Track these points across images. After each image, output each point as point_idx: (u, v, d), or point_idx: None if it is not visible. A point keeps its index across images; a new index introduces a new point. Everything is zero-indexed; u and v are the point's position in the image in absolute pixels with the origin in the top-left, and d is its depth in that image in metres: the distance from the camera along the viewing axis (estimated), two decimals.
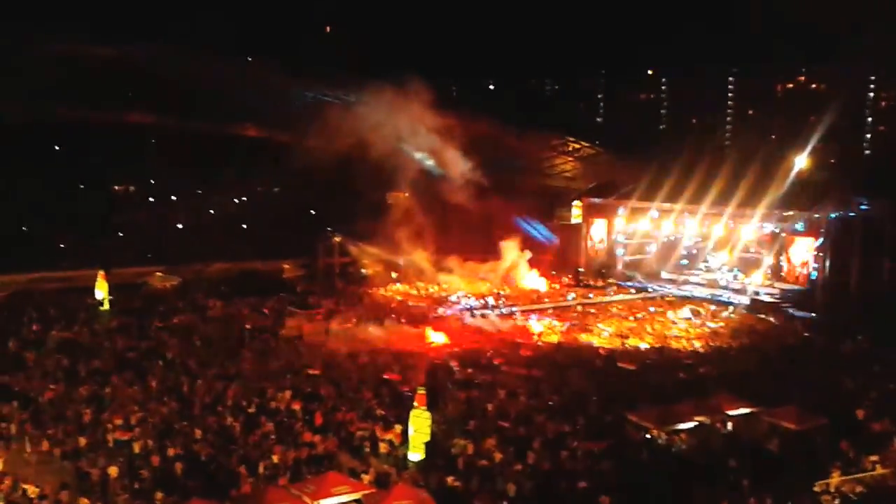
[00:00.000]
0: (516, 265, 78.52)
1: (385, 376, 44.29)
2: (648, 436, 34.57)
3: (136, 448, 33.00)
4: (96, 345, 50.97)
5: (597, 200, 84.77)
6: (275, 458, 31.69)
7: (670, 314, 64.85)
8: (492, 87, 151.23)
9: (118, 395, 40.04)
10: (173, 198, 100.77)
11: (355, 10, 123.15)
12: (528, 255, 79.08)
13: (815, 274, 66.81)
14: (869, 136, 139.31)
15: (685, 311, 65.11)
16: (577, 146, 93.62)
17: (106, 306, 61.25)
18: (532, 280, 77.74)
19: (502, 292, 73.85)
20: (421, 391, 33.53)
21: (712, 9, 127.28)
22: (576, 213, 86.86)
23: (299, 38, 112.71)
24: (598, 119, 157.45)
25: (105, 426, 35.40)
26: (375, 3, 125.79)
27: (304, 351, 50.91)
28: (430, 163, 79.63)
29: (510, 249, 78.75)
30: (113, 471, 30.52)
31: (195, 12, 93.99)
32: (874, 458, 31.98)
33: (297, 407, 38.26)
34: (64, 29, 72.88)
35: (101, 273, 61.90)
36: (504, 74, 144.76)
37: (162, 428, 35.40)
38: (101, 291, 61.64)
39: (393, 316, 62.09)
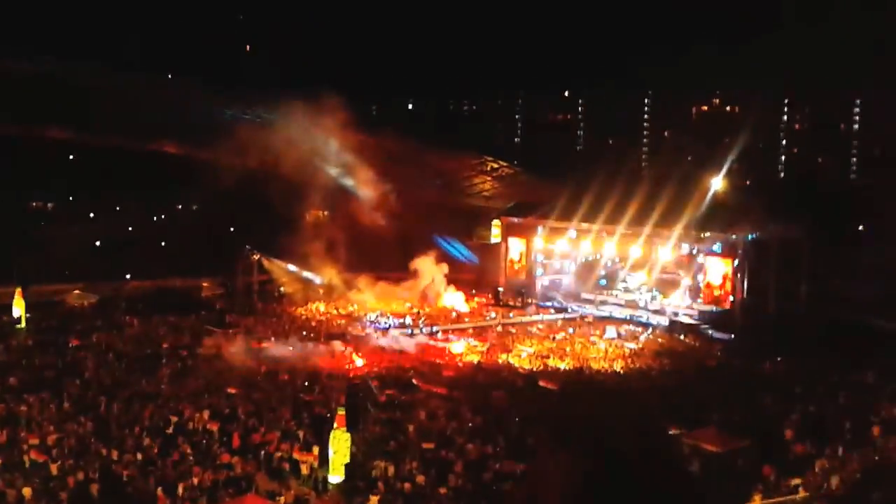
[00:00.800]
0: (433, 283, 78.23)
1: (304, 396, 44.12)
2: None
3: (53, 469, 32.50)
4: (12, 363, 50.21)
5: (516, 220, 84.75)
6: (194, 480, 31.35)
7: (593, 336, 64.88)
8: (411, 106, 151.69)
9: (34, 415, 39.46)
10: (91, 215, 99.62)
11: (277, 29, 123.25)
12: (444, 269, 78.76)
13: (732, 295, 67.50)
14: (783, 158, 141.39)
15: (610, 332, 65.36)
16: (495, 165, 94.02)
17: (23, 324, 60.50)
18: (451, 299, 77.49)
19: (422, 311, 73.71)
20: (341, 412, 33.39)
21: (628, 31, 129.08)
22: (495, 232, 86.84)
23: (220, 55, 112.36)
24: (517, 139, 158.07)
25: (21, 446, 34.87)
26: (296, 22, 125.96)
27: (222, 370, 50.36)
28: (348, 181, 79.57)
29: (426, 267, 78.45)
30: (27, 491, 30.05)
31: (115, 29, 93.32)
32: (796, 480, 32.22)
33: (214, 427, 37.92)
34: None
35: (17, 290, 61.16)
36: (423, 94, 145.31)
37: (78, 448, 34.89)
38: (18, 309, 60.86)
39: (311, 335, 61.81)
